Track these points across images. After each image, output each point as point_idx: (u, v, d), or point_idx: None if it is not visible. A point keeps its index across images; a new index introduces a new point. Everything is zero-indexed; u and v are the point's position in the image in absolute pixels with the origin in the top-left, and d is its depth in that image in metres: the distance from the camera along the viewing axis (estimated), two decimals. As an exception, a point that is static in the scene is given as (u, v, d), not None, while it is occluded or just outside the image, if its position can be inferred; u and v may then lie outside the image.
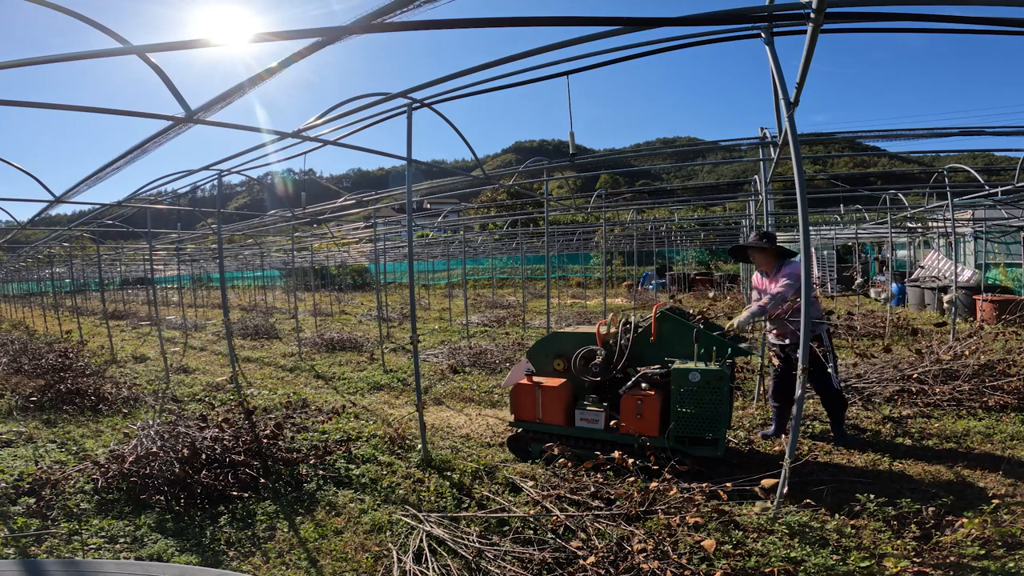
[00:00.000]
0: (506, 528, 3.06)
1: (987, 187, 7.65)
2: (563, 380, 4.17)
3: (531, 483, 3.63)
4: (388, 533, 3.19)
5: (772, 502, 3.10)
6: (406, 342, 10.69)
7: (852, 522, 3.05)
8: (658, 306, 4.13)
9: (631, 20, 2.39)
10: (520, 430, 4.31)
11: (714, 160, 13.77)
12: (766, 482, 2.99)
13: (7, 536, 3.18)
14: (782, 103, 2.90)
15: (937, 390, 5.27)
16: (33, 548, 3.10)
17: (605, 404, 4.02)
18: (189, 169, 5.45)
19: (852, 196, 11.72)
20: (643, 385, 3.85)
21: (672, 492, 3.11)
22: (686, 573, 2.53)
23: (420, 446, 4.26)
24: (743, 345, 3.96)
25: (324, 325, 13.64)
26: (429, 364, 8.28)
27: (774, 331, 4.40)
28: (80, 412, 5.94)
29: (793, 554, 2.72)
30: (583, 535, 2.87)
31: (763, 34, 2.87)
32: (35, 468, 4.05)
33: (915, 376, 5.53)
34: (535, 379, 4.19)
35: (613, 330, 4.16)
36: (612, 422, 3.88)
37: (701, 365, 3.69)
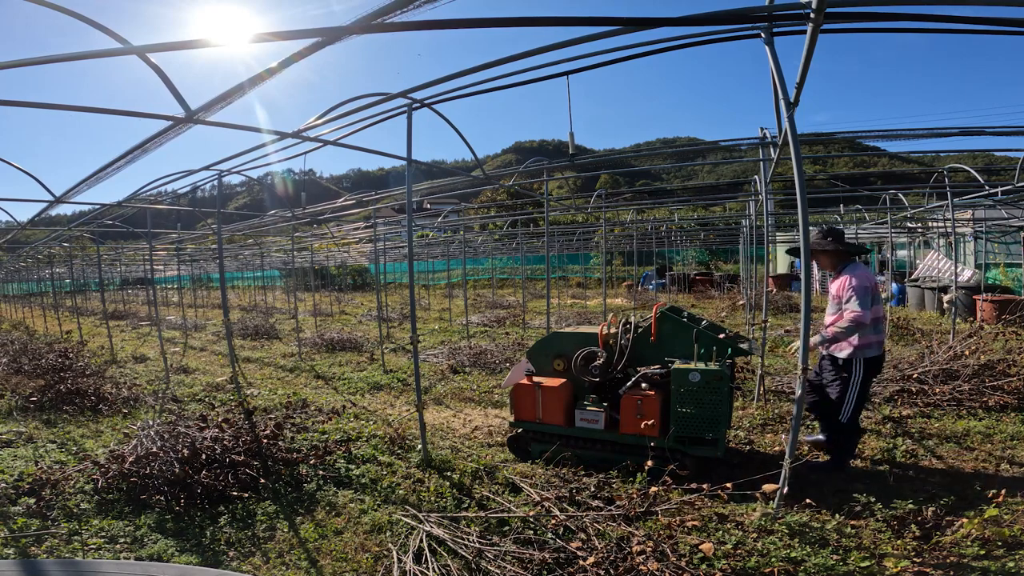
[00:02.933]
0: (506, 528, 3.06)
1: (987, 187, 7.65)
2: (563, 380, 4.16)
3: (531, 483, 3.64)
4: (388, 533, 3.19)
5: (773, 503, 3.10)
6: (406, 342, 10.69)
7: (852, 522, 3.05)
8: (658, 306, 4.13)
9: (631, 20, 2.39)
10: (520, 430, 4.31)
11: (714, 160, 13.77)
12: (767, 487, 2.99)
13: (7, 536, 3.18)
14: (782, 103, 2.90)
15: (937, 390, 5.27)
16: (33, 548, 3.10)
17: (605, 404, 4.02)
18: (189, 169, 5.45)
19: (852, 196, 11.72)
20: (643, 385, 3.85)
21: (672, 494, 3.11)
22: (685, 574, 2.53)
23: (420, 446, 4.26)
24: (743, 345, 3.96)
25: (324, 325, 13.64)
26: (429, 364, 8.28)
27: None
28: (80, 412, 5.94)
29: (793, 554, 2.72)
30: (583, 535, 2.87)
31: (763, 34, 2.87)
32: (35, 468, 4.04)
33: (915, 376, 5.53)
34: (535, 379, 4.19)
35: (614, 330, 4.15)
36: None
37: (701, 365, 3.68)
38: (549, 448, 4.11)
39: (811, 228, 3.38)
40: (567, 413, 4.08)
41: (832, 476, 3.77)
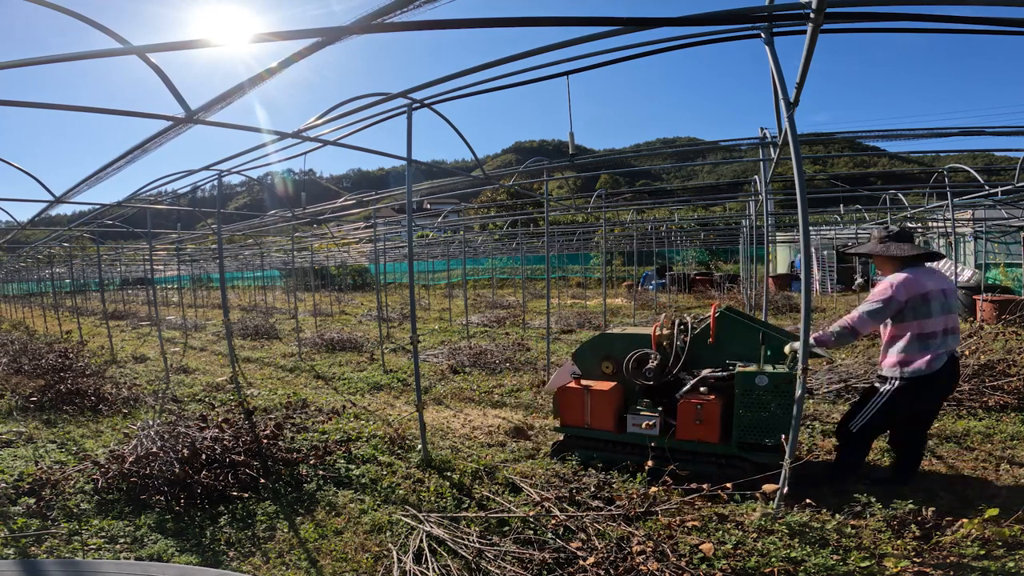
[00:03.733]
0: (506, 528, 3.06)
1: (987, 187, 7.65)
2: (613, 384, 3.98)
3: (531, 483, 3.63)
4: (388, 533, 3.19)
5: (773, 503, 3.10)
6: (406, 342, 10.70)
7: (852, 522, 3.05)
8: (716, 305, 3.95)
9: (631, 20, 2.39)
10: (565, 436, 4.11)
11: (714, 160, 13.78)
12: (767, 487, 2.99)
13: (7, 536, 3.18)
14: (782, 103, 2.90)
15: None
16: (33, 548, 3.10)
17: (660, 409, 3.83)
18: (189, 169, 5.45)
19: (852, 196, 11.73)
20: (701, 389, 3.68)
21: (672, 494, 3.11)
22: (685, 574, 2.53)
23: (420, 446, 4.26)
24: (817, 350, 3.62)
25: (324, 325, 13.64)
26: (429, 364, 8.28)
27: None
28: (80, 412, 5.94)
29: (793, 554, 2.72)
30: (583, 535, 2.87)
31: (763, 34, 2.87)
32: (35, 468, 4.04)
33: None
34: (583, 383, 3.99)
35: (666, 331, 3.97)
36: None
37: (769, 368, 3.52)
38: (596, 455, 3.95)
39: (811, 229, 3.36)
40: (617, 418, 3.91)
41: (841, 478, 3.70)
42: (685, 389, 3.73)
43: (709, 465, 3.65)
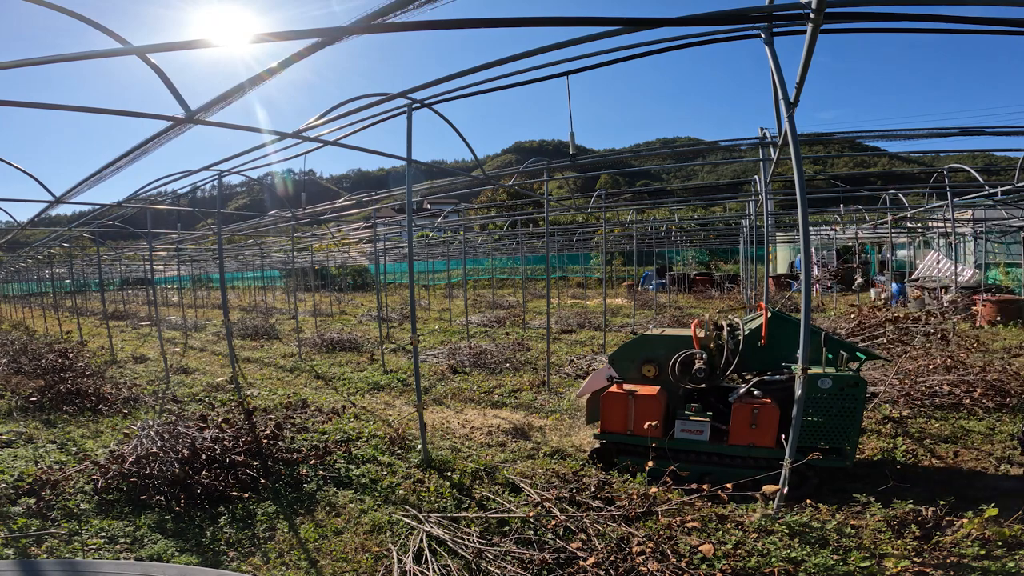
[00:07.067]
0: (506, 528, 3.06)
1: (987, 187, 7.66)
2: (658, 388, 3.86)
3: (531, 483, 3.63)
4: (388, 533, 3.19)
5: (773, 503, 3.10)
6: (406, 342, 10.69)
7: (852, 522, 3.05)
8: (764, 306, 3.88)
9: (631, 20, 2.39)
10: (605, 442, 3.97)
11: (714, 160, 13.78)
12: (767, 487, 2.99)
13: (7, 536, 3.18)
14: (782, 103, 2.90)
15: (937, 390, 5.26)
16: (33, 548, 3.10)
17: (710, 413, 3.74)
18: (189, 169, 5.46)
19: (852, 196, 11.74)
20: (755, 392, 3.58)
21: (672, 494, 3.11)
22: (685, 575, 2.53)
23: (420, 446, 4.25)
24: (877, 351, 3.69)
25: (324, 325, 13.64)
26: (429, 364, 8.28)
27: None
28: (80, 412, 5.94)
29: (793, 554, 2.72)
30: (583, 536, 2.87)
31: (763, 34, 2.87)
32: (35, 468, 4.04)
33: (915, 375, 5.52)
34: (627, 387, 3.87)
35: (703, 333, 3.87)
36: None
37: (831, 371, 3.46)
38: (638, 461, 3.74)
39: (811, 228, 3.37)
40: (663, 423, 3.77)
41: (836, 475, 3.69)
42: (740, 393, 3.59)
43: (763, 470, 3.48)
